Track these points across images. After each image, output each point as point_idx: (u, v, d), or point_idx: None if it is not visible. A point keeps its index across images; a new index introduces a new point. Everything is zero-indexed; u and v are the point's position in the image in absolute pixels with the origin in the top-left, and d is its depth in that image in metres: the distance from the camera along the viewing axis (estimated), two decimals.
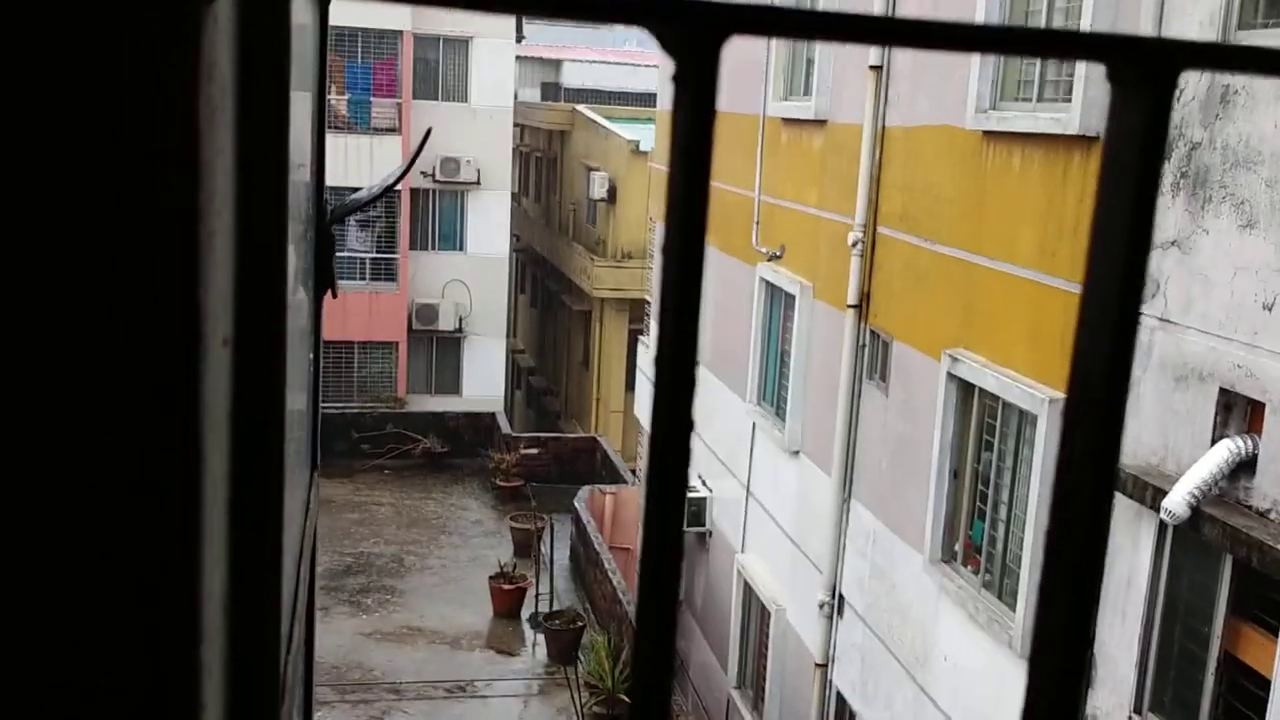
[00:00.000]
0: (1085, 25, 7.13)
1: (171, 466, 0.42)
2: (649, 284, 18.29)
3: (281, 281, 0.62)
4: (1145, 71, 0.39)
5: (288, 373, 1.34)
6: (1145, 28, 6.57)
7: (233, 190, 0.48)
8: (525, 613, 17.10)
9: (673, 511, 0.42)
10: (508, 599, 17.05)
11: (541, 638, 16.26)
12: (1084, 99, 7.14)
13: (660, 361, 0.37)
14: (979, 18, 8.33)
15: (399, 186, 24.86)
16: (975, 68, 8.38)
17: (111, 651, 0.46)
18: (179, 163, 0.39)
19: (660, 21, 0.36)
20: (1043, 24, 7.89)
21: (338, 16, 26.30)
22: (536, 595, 17.03)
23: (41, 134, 0.39)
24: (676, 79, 0.37)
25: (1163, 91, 0.39)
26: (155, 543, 0.43)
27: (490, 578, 17.31)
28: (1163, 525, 6.20)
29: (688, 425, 0.38)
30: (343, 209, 2.03)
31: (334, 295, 1.74)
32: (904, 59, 9.75)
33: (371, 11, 24.52)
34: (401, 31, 25.04)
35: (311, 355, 1.66)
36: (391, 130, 25.15)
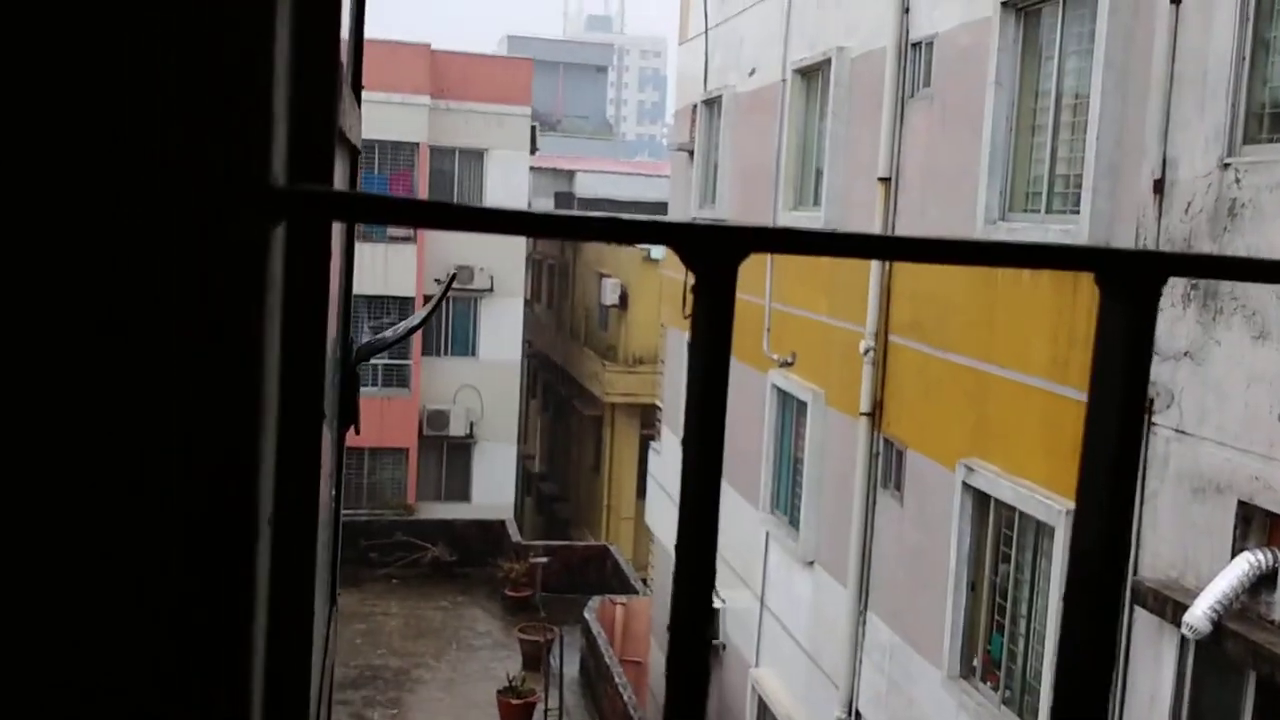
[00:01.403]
0: (1091, 140, 7.28)
1: (224, 656, 0.44)
2: (660, 390, 18.35)
3: (316, 459, 0.65)
4: (1131, 279, 0.42)
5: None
6: (1150, 144, 6.70)
7: (278, 379, 0.52)
8: None
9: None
10: (516, 715, 16.69)
11: None
12: (1092, 210, 7.25)
13: (679, 569, 0.39)
14: (985, 144, 8.51)
15: (413, 293, 25.16)
16: (984, 178, 8.53)
17: None
18: (245, 370, 0.42)
19: (686, 244, 0.39)
20: (1049, 144, 8.05)
21: None
22: (545, 710, 16.67)
23: (138, 338, 0.43)
24: (696, 289, 0.40)
25: (1148, 298, 0.42)
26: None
27: (498, 692, 16.97)
28: (1184, 641, 6.09)
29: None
30: (367, 348, 2.09)
31: (357, 432, 1.78)
32: (913, 170, 9.93)
33: (389, 123, 25.14)
34: (418, 144, 25.63)
35: (334, 491, 1.69)
36: (407, 239, 25.56)
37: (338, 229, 1.49)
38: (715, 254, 0.38)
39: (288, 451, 0.57)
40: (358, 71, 1.78)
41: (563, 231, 0.39)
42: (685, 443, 0.43)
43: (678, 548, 0.44)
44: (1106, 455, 0.43)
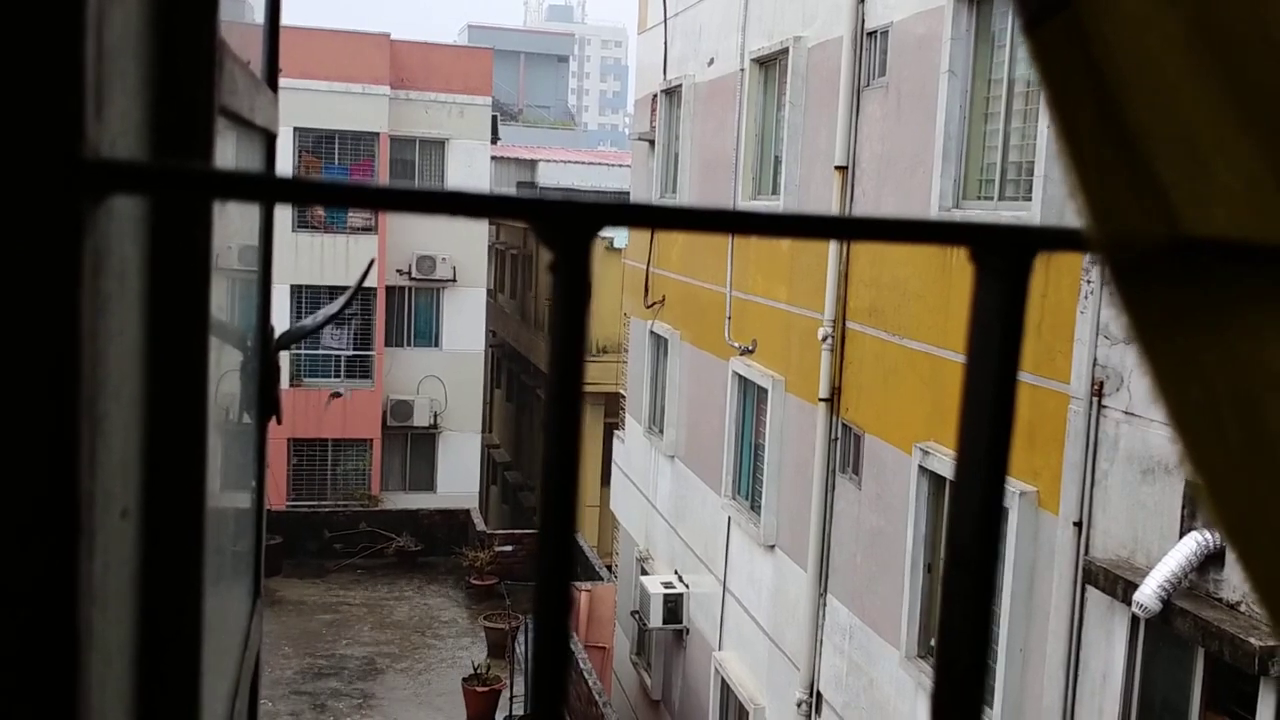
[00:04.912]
0: (1042, 127, 7.34)
1: (45, 651, 0.42)
2: (624, 378, 18.36)
3: (200, 449, 0.63)
4: (1004, 254, 0.41)
5: (230, 502, 1.34)
6: None
7: (140, 364, 0.49)
8: (500, 716, 16.74)
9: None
10: (482, 702, 16.69)
11: None
12: (1044, 197, 7.31)
13: (541, 537, 0.38)
14: (939, 132, 8.55)
15: (373, 284, 24.97)
16: (938, 165, 8.58)
17: None
18: (54, 358, 0.40)
19: (537, 219, 0.38)
20: (1002, 131, 8.11)
21: (314, 119, 26.33)
22: (511, 697, 16.68)
23: None
24: (552, 269, 0.39)
25: (1020, 272, 0.42)
26: None
27: (464, 680, 16.96)
28: (1135, 619, 6.18)
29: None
30: (288, 336, 2.06)
31: (278, 422, 1.75)
32: (869, 159, 9.97)
33: (349, 114, 24.91)
34: (379, 133, 25.41)
35: (255, 483, 1.67)
36: (367, 230, 25.35)
37: (247, 212, 1.46)
38: (569, 229, 0.37)
39: (161, 442, 0.55)
40: (274, 59, 1.75)
41: (410, 205, 0.38)
42: (545, 431, 0.42)
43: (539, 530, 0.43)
44: (982, 432, 0.43)
